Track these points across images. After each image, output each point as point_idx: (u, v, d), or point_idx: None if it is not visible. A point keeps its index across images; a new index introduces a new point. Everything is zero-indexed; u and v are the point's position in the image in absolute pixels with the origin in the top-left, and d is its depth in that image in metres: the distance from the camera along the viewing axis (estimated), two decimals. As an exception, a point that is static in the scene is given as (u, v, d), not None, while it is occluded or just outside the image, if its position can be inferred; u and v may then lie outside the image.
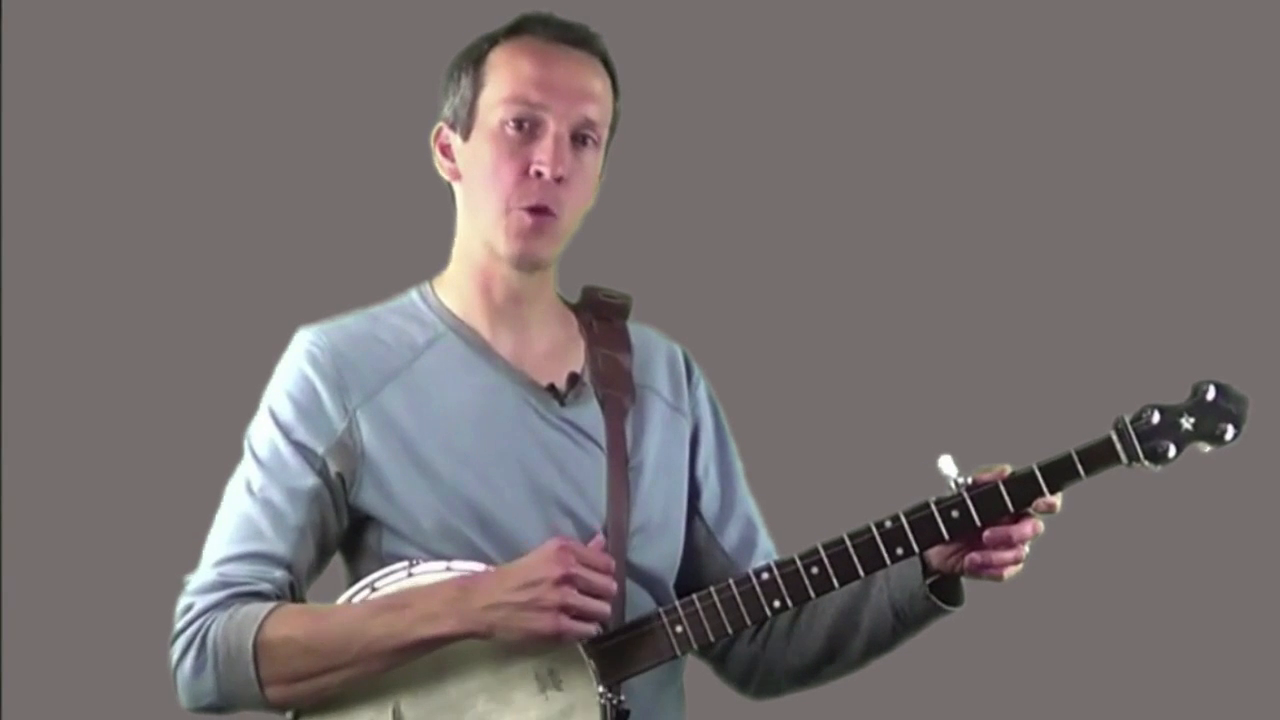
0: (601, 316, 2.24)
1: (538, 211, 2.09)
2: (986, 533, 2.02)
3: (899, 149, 3.31)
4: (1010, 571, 2.04)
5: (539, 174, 2.08)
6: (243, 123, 3.22)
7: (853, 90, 3.31)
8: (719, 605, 2.03)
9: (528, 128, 2.09)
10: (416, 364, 2.13)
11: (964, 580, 2.10)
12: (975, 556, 2.03)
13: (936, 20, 3.32)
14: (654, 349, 2.26)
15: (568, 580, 1.96)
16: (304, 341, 2.12)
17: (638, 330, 2.26)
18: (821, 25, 3.30)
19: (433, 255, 2.22)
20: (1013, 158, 3.31)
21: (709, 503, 2.25)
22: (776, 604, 2.03)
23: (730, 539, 2.24)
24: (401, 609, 1.99)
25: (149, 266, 3.21)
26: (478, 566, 2.03)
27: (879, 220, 3.30)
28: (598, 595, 1.98)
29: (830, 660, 2.19)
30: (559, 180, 2.08)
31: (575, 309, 2.25)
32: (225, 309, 3.15)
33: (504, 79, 2.11)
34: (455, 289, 2.17)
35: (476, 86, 2.12)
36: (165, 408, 3.14)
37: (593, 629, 1.99)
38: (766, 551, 2.24)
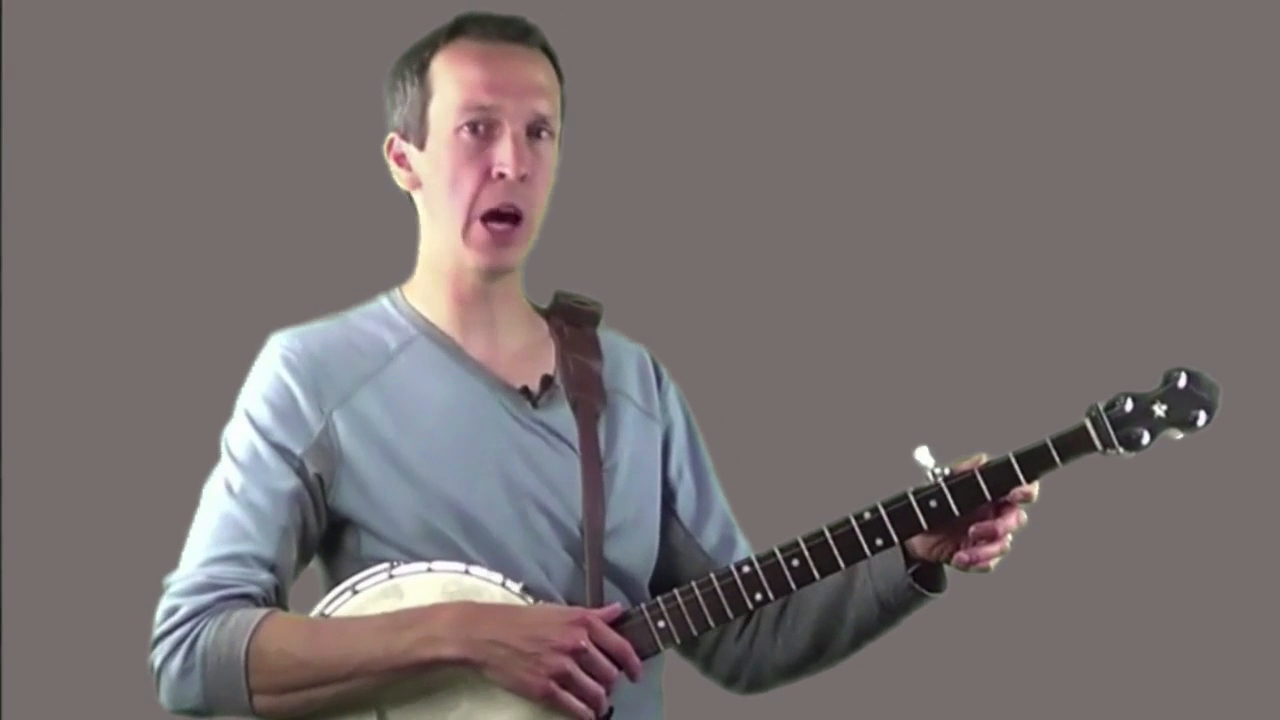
0: (572, 323, 2.24)
1: (502, 219, 2.10)
2: (972, 528, 2.04)
3: (862, 143, 3.32)
4: (995, 561, 2.06)
5: (501, 175, 2.08)
6: (213, 132, 3.22)
7: (817, 88, 3.33)
8: (700, 599, 2.04)
9: (483, 130, 2.09)
10: (390, 367, 2.13)
11: (946, 567, 2.12)
12: (963, 555, 2.06)
13: (902, 19, 3.34)
14: (624, 354, 2.27)
15: (575, 653, 1.97)
16: (278, 346, 2.12)
17: (606, 335, 2.27)
18: (784, 25, 3.32)
19: (401, 261, 2.22)
20: (981, 148, 3.32)
21: (685, 504, 2.25)
22: (758, 596, 2.04)
23: (709, 539, 2.24)
24: (402, 629, 1.98)
25: (122, 273, 3.21)
26: (458, 567, 2.04)
27: (848, 214, 3.32)
28: (600, 678, 1.98)
29: (818, 654, 2.20)
30: (522, 179, 2.09)
31: (546, 314, 2.25)
32: (196, 316, 3.15)
33: (452, 85, 2.11)
34: (424, 294, 2.18)
35: (425, 96, 2.12)
36: (137, 415, 3.13)
37: (583, 709, 1.98)
38: (745, 550, 2.24)
